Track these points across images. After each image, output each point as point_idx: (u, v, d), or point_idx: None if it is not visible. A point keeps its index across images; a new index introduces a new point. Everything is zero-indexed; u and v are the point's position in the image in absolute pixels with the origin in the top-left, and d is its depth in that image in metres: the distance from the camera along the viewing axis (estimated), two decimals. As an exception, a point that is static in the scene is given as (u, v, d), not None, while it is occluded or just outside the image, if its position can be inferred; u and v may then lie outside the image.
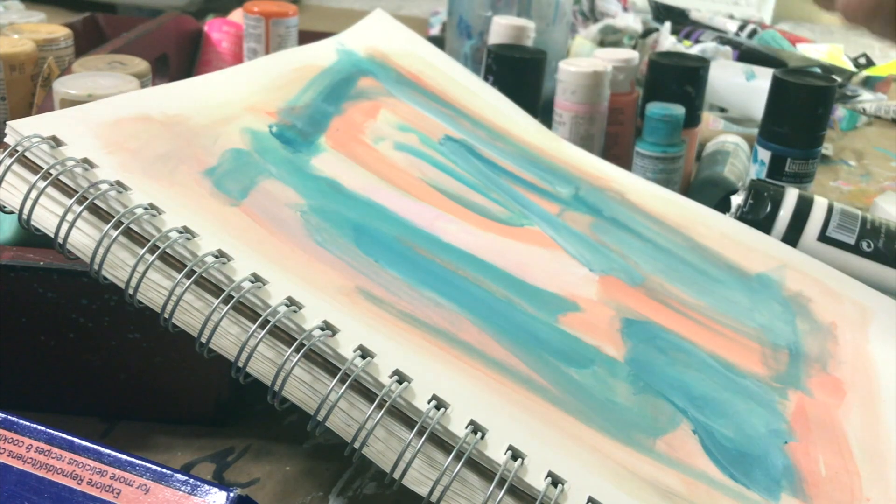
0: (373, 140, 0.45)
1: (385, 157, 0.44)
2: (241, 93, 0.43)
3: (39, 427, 0.30)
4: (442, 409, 0.30)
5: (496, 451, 0.29)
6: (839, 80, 0.67)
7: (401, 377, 0.30)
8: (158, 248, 0.31)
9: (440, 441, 0.30)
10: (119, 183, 0.33)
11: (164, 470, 0.29)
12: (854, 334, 0.43)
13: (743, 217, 0.50)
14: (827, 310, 0.44)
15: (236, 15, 0.80)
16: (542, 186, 0.48)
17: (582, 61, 0.61)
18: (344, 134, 0.44)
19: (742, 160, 0.67)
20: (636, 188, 0.51)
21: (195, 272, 0.31)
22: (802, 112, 0.57)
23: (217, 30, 0.79)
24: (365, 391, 0.30)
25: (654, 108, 0.59)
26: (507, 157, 0.49)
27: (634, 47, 0.93)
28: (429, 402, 0.30)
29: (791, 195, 0.50)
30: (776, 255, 0.47)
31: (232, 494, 0.28)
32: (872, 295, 0.46)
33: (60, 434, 0.29)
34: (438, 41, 0.69)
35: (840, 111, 0.92)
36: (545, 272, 0.40)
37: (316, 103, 0.46)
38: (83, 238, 0.32)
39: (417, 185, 0.43)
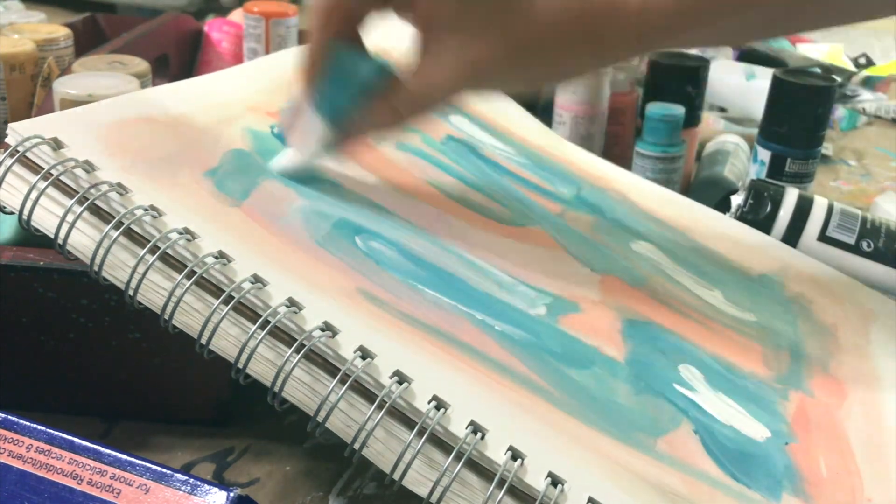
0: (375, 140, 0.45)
1: (387, 157, 0.44)
2: (243, 93, 0.43)
3: (39, 427, 0.29)
4: (442, 410, 0.30)
5: (496, 452, 0.29)
6: (839, 80, 0.68)
7: (401, 378, 0.30)
8: (159, 248, 0.31)
9: (440, 441, 0.30)
10: (120, 185, 0.33)
11: (164, 470, 0.29)
12: (855, 335, 0.43)
13: (743, 217, 0.50)
14: (828, 311, 0.44)
15: (236, 15, 0.80)
16: (543, 186, 0.48)
17: (582, 61, 0.61)
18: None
19: (742, 160, 0.67)
20: (638, 188, 0.51)
21: (195, 273, 0.31)
22: (802, 112, 0.57)
23: (217, 30, 0.79)
24: (365, 392, 0.30)
25: (654, 108, 0.59)
26: (509, 157, 0.49)
27: (634, 47, 0.93)
28: (429, 403, 0.30)
29: (791, 195, 0.50)
30: (778, 257, 0.47)
31: (232, 494, 0.28)
32: (873, 296, 0.46)
33: (60, 434, 0.29)
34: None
35: (840, 111, 0.92)
36: (546, 272, 0.40)
37: None
38: (83, 239, 0.32)
39: (419, 186, 0.43)
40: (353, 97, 0.36)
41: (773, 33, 0.38)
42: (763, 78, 0.80)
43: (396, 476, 0.29)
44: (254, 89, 0.44)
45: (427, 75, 0.35)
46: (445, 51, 0.34)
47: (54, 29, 0.65)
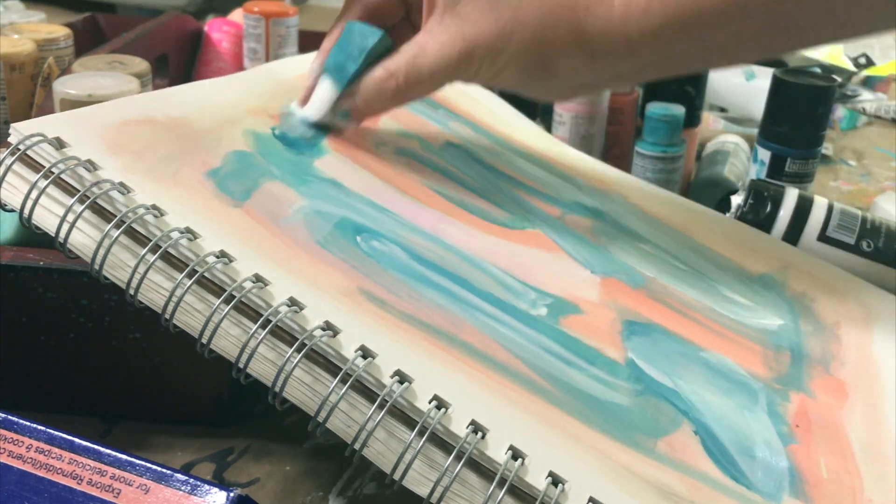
0: (374, 145, 0.45)
1: (387, 162, 0.44)
2: (244, 97, 0.43)
3: (39, 427, 0.29)
4: (443, 410, 0.30)
5: (497, 451, 0.29)
6: (839, 80, 0.67)
7: (402, 377, 0.30)
8: (160, 248, 0.31)
9: (441, 441, 0.30)
10: (122, 184, 0.33)
11: (164, 470, 0.29)
12: (858, 334, 0.43)
13: (743, 217, 0.50)
14: (830, 310, 0.44)
15: (236, 15, 0.80)
16: (542, 191, 0.48)
17: (582, 61, 0.61)
18: (346, 138, 0.44)
19: (742, 160, 0.67)
20: (637, 190, 0.51)
21: (197, 272, 0.31)
22: (802, 112, 0.57)
23: (217, 30, 0.79)
24: (366, 392, 0.30)
25: (654, 108, 0.59)
26: (509, 162, 0.49)
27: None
28: (430, 403, 0.30)
29: (791, 195, 0.50)
30: (779, 256, 0.47)
31: (232, 494, 0.28)
32: (877, 294, 0.46)
33: (60, 434, 0.29)
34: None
35: (840, 111, 0.92)
36: (547, 274, 0.40)
37: None
38: (84, 238, 0.32)
39: (419, 189, 0.43)
40: (356, 59, 0.42)
41: (767, 50, 0.39)
42: (763, 78, 0.80)
43: (397, 476, 0.29)
44: (255, 94, 0.44)
45: (422, 45, 0.39)
46: (443, 29, 0.38)
47: (54, 29, 0.65)
